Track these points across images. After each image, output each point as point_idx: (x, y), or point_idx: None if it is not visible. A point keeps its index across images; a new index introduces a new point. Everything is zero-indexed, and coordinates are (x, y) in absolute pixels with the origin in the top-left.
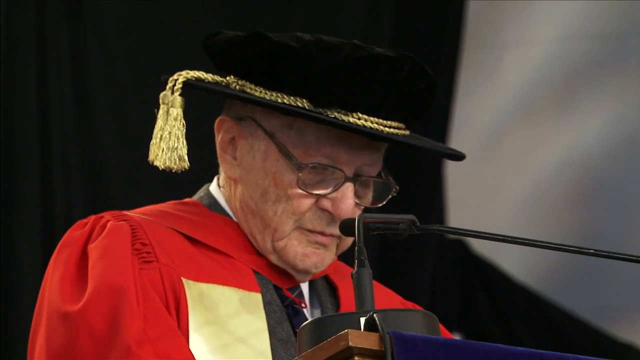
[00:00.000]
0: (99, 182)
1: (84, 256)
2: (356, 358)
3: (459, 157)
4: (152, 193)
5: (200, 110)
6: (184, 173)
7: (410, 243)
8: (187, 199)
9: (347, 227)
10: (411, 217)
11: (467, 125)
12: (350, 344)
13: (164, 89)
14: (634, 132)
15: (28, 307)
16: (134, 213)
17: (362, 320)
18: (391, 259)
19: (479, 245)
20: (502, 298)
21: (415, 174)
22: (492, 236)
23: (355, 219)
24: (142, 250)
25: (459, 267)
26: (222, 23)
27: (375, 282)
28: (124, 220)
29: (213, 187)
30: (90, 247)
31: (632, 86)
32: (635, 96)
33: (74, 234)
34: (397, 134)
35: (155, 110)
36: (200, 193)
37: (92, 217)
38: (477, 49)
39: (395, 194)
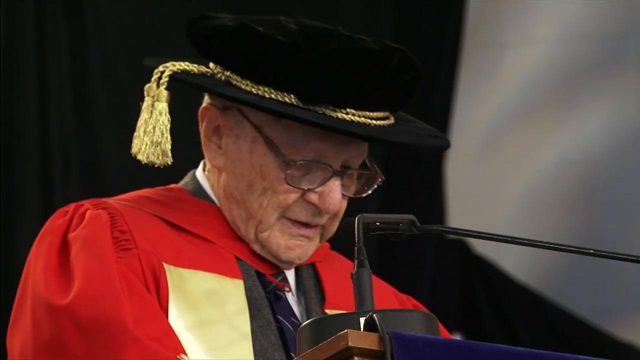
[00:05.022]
0: (99, 182)
1: (64, 245)
2: (356, 358)
3: (443, 146)
4: None
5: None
6: (183, 171)
7: (410, 243)
8: (172, 185)
9: (347, 227)
10: (411, 217)
11: (467, 125)
12: (350, 344)
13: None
14: (634, 132)
15: None
16: (114, 200)
17: (362, 320)
18: (391, 259)
19: (479, 245)
20: (502, 298)
21: (415, 174)
22: (492, 236)
23: (355, 219)
24: (121, 237)
25: (459, 267)
26: None
27: None
28: (103, 209)
29: (199, 173)
30: (71, 236)
31: (632, 86)
32: (635, 96)
33: (55, 222)
34: (383, 126)
35: (140, 103)
36: (186, 179)
37: (72, 205)
38: (477, 49)
39: (380, 184)
